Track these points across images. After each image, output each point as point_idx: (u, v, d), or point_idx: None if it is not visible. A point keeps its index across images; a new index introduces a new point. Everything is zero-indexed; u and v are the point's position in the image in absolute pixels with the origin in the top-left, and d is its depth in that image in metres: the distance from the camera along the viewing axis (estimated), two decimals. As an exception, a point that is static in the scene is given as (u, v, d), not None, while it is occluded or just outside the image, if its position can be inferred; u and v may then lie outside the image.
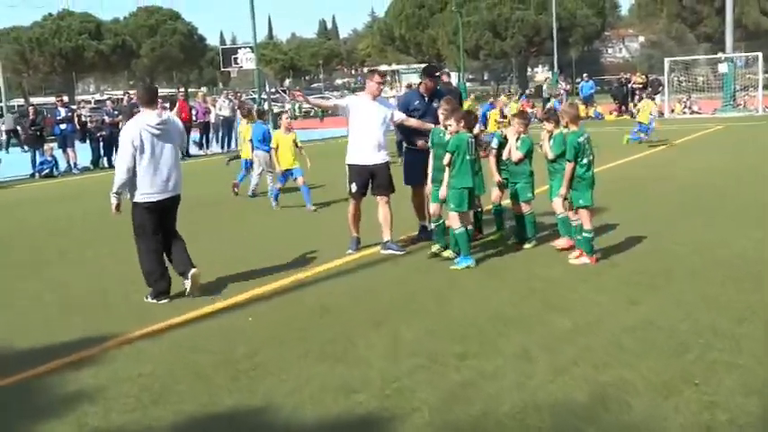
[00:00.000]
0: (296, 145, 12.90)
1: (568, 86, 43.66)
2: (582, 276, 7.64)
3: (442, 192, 8.34)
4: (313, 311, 6.95)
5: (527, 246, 8.97)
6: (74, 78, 74.82)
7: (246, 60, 36.32)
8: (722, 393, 4.76)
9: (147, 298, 7.51)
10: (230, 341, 6.22)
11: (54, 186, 19.68)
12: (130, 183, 7.34)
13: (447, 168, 8.19)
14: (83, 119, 24.08)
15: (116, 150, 10.13)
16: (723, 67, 34.42)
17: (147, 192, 7.36)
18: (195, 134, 26.91)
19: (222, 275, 8.37)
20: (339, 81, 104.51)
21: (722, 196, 12.20)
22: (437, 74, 9.89)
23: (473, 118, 8.99)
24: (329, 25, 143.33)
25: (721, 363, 5.24)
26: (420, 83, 9.83)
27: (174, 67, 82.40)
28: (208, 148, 27.25)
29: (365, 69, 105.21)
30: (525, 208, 8.94)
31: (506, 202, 9.38)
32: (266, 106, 32.02)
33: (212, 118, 27.31)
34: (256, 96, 35.64)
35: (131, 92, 31.18)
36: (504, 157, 9.02)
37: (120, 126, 19.26)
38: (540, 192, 9.47)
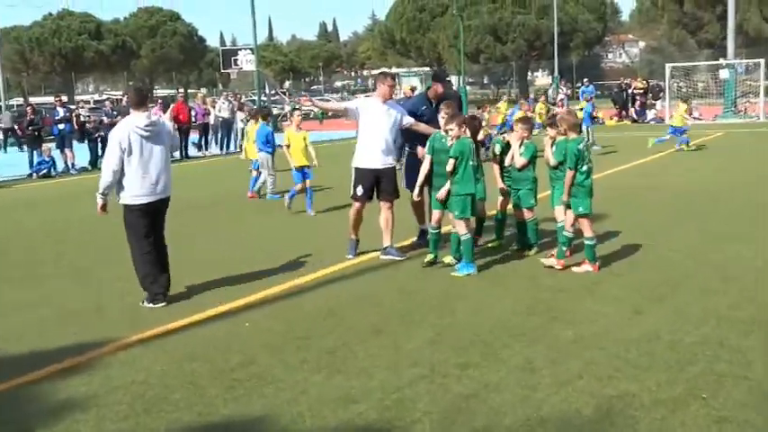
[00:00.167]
0: (305, 145, 12.85)
1: (569, 91, 43.56)
2: (585, 285, 7.52)
3: (441, 193, 8.19)
4: (312, 318, 6.82)
5: (529, 253, 8.84)
6: (73, 78, 74.81)
7: (246, 62, 36.28)
8: (731, 408, 4.64)
9: (143, 302, 7.40)
10: (226, 348, 6.10)
11: (51, 187, 19.56)
12: (118, 184, 7.29)
13: (449, 174, 8.05)
14: (81, 119, 23.96)
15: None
16: (724, 74, 34.36)
17: (136, 194, 7.29)
18: (194, 135, 26.89)
19: (219, 279, 8.25)
20: (339, 83, 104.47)
21: (716, 201, 12.09)
22: (448, 79, 9.79)
23: (477, 123, 8.86)
24: (330, 27, 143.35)
25: (729, 376, 5.12)
26: (428, 88, 9.70)
27: (173, 68, 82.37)
28: (207, 149, 27.16)
29: (365, 72, 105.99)
30: (528, 215, 8.82)
31: (509, 208, 9.25)
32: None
33: (211, 119, 27.24)
34: (256, 98, 35.52)
35: (131, 92, 30.97)
36: (507, 163, 8.87)
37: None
38: (542, 197, 9.32)
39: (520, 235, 9.05)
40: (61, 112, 23.07)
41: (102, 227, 10.09)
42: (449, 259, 8.50)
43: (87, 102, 42.93)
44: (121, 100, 27.56)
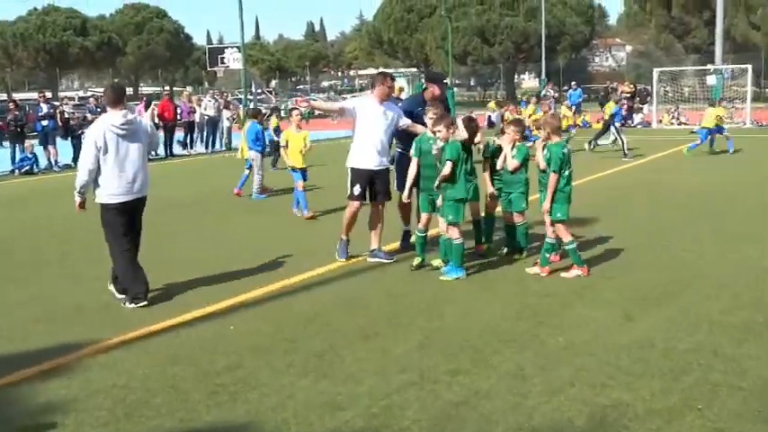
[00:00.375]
0: (305, 145, 12.71)
1: (556, 94, 43.53)
2: (575, 290, 7.41)
3: (439, 202, 8.07)
4: (298, 321, 6.68)
5: (519, 257, 8.73)
6: (57, 75, 74.23)
7: (233, 60, 36.05)
8: (727, 419, 4.55)
9: (124, 303, 7.25)
10: (210, 351, 5.95)
11: (33, 184, 19.30)
12: (94, 183, 7.20)
13: (448, 178, 7.90)
14: (65, 115, 23.67)
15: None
16: (711, 79, 34.46)
17: (113, 193, 7.18)
18: (180, 133, 26.69)
19: (203, 279, 8.11)
20: (326, 83, 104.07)
21: (716, 202, 12.05)
22: (445, 81, 9.65)
23: (474, 125, 8.71)
24: (317, 27, 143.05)
25: (724, 385, 5.02)
26: (424, 89, 9.51)
27: (159, 66, 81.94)
28: (192, 147, 26.94)
29: (352, 72, 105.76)
30: (518, 218, 8.67)
31: (498, 210, 9.13)
32: (251, 106, 31.71)
33: (197, 117, 27.04)
34: (242, 97, 35.32)
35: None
36: (499, 166, 8.71)
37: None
38: (532, 200, 9.20)
39: (509, 239, 8.91)
40: (45, 108, 22.75)
41: (83, 224, 9.90)
42: (437, 262, 8.38)
43: (72, 98, 42.67)
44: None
